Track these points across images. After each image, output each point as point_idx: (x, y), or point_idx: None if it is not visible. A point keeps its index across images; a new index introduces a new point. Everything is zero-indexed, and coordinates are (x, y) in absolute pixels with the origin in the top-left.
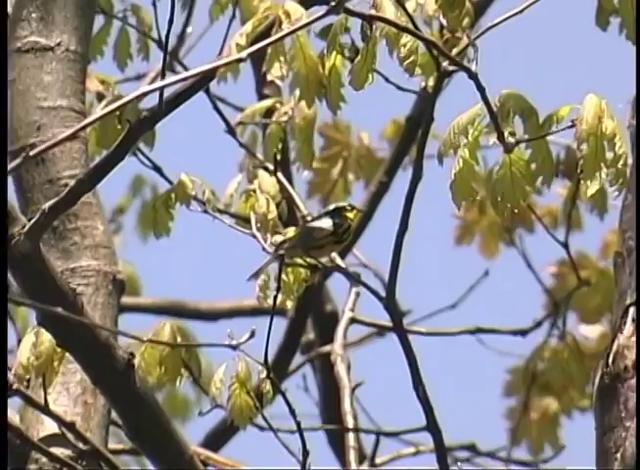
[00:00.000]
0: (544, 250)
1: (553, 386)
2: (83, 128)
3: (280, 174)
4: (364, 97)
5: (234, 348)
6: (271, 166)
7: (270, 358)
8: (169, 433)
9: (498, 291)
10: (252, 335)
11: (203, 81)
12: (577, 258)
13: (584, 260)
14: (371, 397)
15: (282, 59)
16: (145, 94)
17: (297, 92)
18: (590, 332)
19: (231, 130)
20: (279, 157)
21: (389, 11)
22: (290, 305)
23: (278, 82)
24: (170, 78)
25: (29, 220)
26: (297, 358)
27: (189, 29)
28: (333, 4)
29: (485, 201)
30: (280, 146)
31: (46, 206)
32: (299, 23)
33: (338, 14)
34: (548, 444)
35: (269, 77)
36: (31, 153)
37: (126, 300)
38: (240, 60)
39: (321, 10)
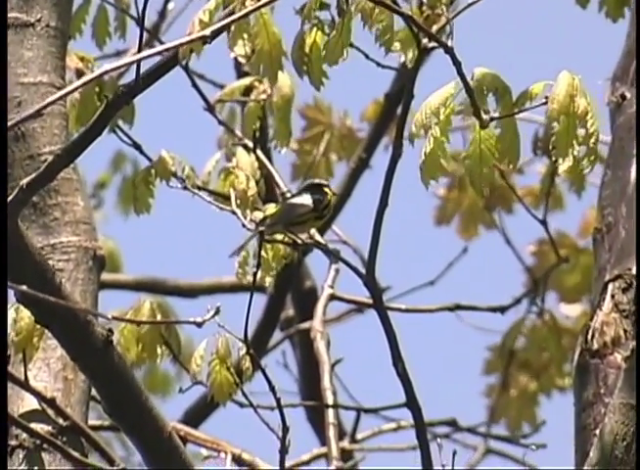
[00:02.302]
0: (524, 230)
1: (532, 364)
2: (53, 103)
3: (259, 152)
4: (345, 76)
5: (199, 325)
6: (250, 144)
7: (249, 335)
8: (148, 410)
9: (478, 269)
10: (217, 312)
11: (177, 58)
12: (557, 237)
13: (564, 239)
14: (351, 373)
15: (245, 36)
16: (115, 69)
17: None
18: (570, 311)
19: (210, 108)
20: (257, 135)
21: None
22: (269, 281)
23: (241, 60)
24: (138, 55)
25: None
26: (277, 335)
27: (170, 5)
28: None
29: (465, 180)
30: (258, 124)
31: (24, 182)
32: (263, 1)
33: None
34: (526, 422)
35: (231, 55)
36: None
37: (106, 276)
38: (203, 37)
39: None
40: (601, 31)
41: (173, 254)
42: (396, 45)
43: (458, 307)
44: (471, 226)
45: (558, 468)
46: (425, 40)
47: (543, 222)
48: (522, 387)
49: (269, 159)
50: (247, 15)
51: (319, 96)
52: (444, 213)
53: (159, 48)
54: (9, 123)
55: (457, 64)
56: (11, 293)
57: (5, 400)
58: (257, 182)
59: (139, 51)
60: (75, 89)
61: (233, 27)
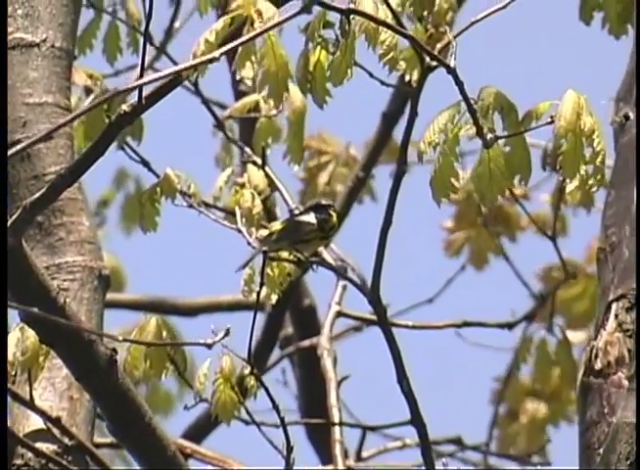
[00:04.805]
0: (528, 257)
1: (540, 390)
2: (62, 126)
3: (268, 168)
4: (345, 98)
5: (209, 346)
6: (259, 161)
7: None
8: (152, 429)
9: (484, 289)
10: (227, 333)
11: (181, 78)
12: (565, 263)
13: (572, 266)
14: (356, 390)
15: (253, 59)
16: (122, 92)
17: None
18: (576, 337)
19: (220, 125)
20: (268, 151)
21: (368, 6)
22: (274, 299)
23: (247, 82)
24: (145, 78)
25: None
26: (276, 353)
27: (177, 24)
28: (305, 3)
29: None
30: (270, 140)
31: (27, 201)
32: (271, 23)
33: (309, 13)
34: (535, 446)
35: (238, 77)
36: (14, 149)
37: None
38: (212, 59)
39: (293, 8)
40: (604, 52)
41: (178, 270)
42: (402, 64)
43: (465, 324)
44: (481, 256)
45: None
46: (428, 59)
47: (552, 239)
48: (531, 414)
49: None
50: (256, 37)
51: (323, 126)
52: (453, 246)
53: (163, 72)
54: (18, 147)
55: (460, 84)
56: (16, 312)
57: (5, 403)
58: (267, 198)
59: (141, 72)
60: (85, 112)
61: (240, 49)
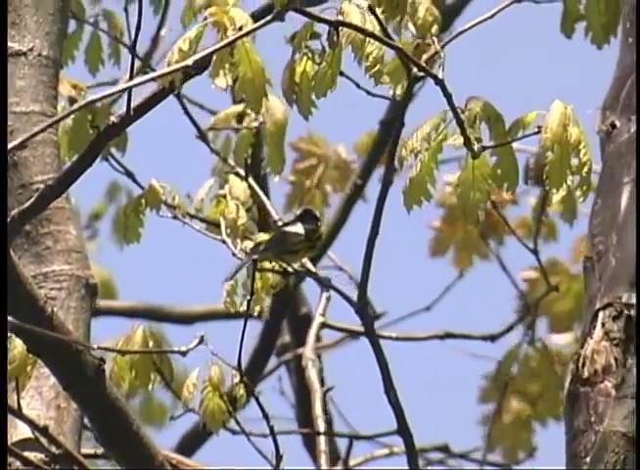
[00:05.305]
0: (517, 259)
1: (527, 392)
2: (43, 131)
3: (251, 180)
4: (337, 106)
5: (184, 354)
6: (242, 172)
7: (245, 361)
8: (139, 438)
9: (472, 296)
10: (202, 341)
11: (170, 88)
12: (549, 264)
13: (556, 266)
14: (345, 399)
15: (227, 67)
16: (105, 97)
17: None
18: (561, 339)
19: (202, 135)
20: (249, 162)
21: (356, 18)
22: (258, 310)
23: (222, 90)
24: (128, 83)
25: None
26: (273, 361)
27: (162, 33)
28: (277, 10)
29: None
30: (250, 152)
31: (14, 212)
32: (244, 30)
33: (282, 21)
34: (521, 449)
35: (213, 86)
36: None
37: (101, 303)
38: (185, 67)
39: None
40: (591, 60)
41: (169, 282)
42: (385, 78)
43: (449, 335)
44: (465, 257)
45: None
46: (415, 69)
47: (534, 252)
48: (516, 414)
49: (265, 187)
50: (228, 44)
51: (313, 128)
52: (440, 245)
53: (142, 78)
54: None
55: (447, 96)
56: None
57: (4, 406)
58: (249, 210)
59: (131, 79)
60: (64, 117)
61: (215, 57)
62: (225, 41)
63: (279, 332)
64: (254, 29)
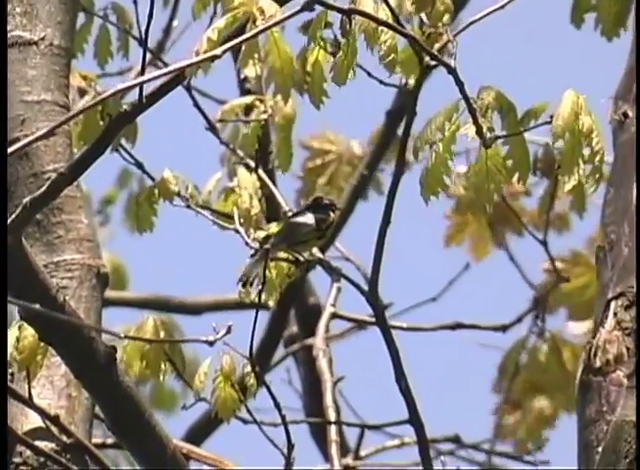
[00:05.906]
0: (533, 250)
1: (539, 384)
2: (63, 124)
3: (261, 171)
4: (346, 97)
5: (210, 344)
6: (252, 163)
7: (253, 351)
8: (151, 427)
9: (485, 286)
10: (229, 331)
11: (181, 76)
12: (571, 255)
13: (578, 257)
14: (355, 389)
15: (256, 56)
16: (123, 90)
17: (273, 87)
18: (578, 328)
19: (212, 127)
20: (258, 155)
21: (369, 6)
22: (272, 301)
23: (251, 80)
24: (147, 75)
25: (11, 215)
26: (280, 351)
27: (174, 23)
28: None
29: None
30: (257, 144)
31: (27, 200)
32: (273, 20)
33: (311, 11)
34: (532, 440)
35: (242, 75)
36: (13, 148)
37: (111, 294)
38: (214, 57)
39: (295, 6)
40: (603, 50)
41: (180, 270)
42: (398, 68)
43: (459, 326)
44: (480, 246)
45: None
46: (427, 58)
47: (544, 243)
48: (533, 408)
49: (273, 179)
50: (258, 34)
51: (321, 124)
52: (454, 235)
53: (166, 69)
54: (17, 145)
55: (460, 84)
56: (15, 310)
57: (5, 405)
58: (259, 201)
59: (142, 70)
60: (86, 110)
61: (244, 47)
62: (255, 30)
63: (287, 323)
64: (284, 19)
